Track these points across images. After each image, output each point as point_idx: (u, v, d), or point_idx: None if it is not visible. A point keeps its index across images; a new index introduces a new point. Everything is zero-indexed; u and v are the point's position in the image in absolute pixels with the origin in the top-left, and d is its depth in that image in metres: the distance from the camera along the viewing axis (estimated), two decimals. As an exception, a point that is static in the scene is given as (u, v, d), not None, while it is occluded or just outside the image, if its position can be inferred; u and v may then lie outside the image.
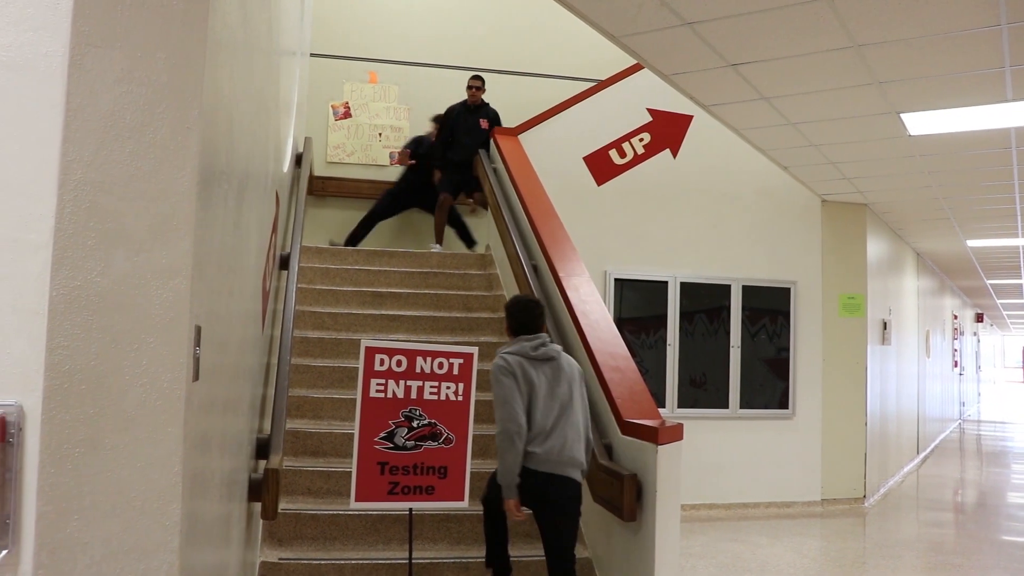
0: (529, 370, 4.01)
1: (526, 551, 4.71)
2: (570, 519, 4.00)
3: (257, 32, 3.38)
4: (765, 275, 8.94)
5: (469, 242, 8.63)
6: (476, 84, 8.39)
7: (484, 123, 8.37)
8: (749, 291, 8.89)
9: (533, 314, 4.21)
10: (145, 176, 1.84)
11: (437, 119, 8.62)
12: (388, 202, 8.55)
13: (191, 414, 1.95)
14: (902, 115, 6.03)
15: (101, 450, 1.79)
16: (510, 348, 4.10)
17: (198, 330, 2.00)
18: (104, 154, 1.81)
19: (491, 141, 8.48)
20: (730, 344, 8.80)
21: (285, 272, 5.78)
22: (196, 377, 2.01)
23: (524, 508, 3.94)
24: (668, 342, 8.65)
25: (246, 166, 3.08)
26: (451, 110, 8.42)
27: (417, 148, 8.62)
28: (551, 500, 3.94)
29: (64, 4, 1.78)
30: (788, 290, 9.03)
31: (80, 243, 1.77)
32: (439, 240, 8.28)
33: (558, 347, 4.22)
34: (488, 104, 8.48)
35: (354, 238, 8.37)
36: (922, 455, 13.74)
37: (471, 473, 4.19)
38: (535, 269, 6.48)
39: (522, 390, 3.95)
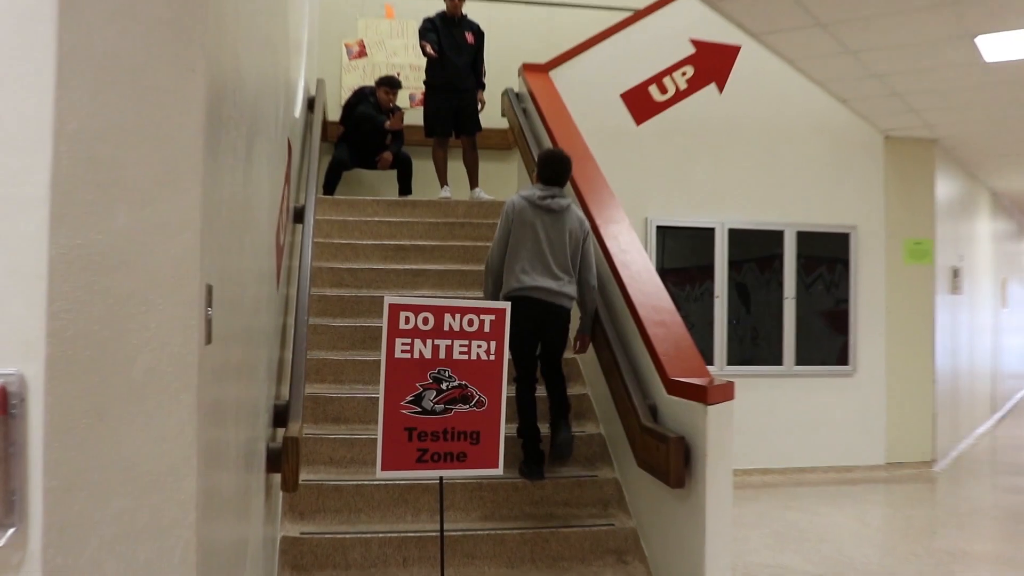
0: (529, 213, 5.04)
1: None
2: (558, 334, 5.16)
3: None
4: (822, 220, 8.83)
5: (403, 190, 8.47)
6: None
7: (470, 37, 8.02)
8: (804, 237, 8.78)
9: (555, 168, 5.17)
10: (147, 123, 1.82)
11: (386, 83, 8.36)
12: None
13: (204, 380, 1.94)
14: (977, 39, 5.85)
15: (109, 421, 1.79)
16: (524, 191, 5.15)
17: (209, 289, 1.99)
18: (101, 100, 1.78)
19: (520, 78, 8.38)
20: (783, 295, 8.73)
21: (300, 226, 5.79)
22: (209, 340, 2.01)
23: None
24: (715, 294, 8.60)
25: (255, 111, 3.05)
26: (429, 22, 7.92)
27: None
28: (543, 322, 5.07)
29: (52, -66, 1.74)
30: (847, 236, 8.91)
31: (79, 198, 1.75)
32: (444, 181, 8.14)
33: (565, 203, 5.14)
34: (467, 16, 8.09)
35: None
36: (998, 415, 13.61)
37: (505, 438, 4.20)
38: (570, 217, 6.43)
39: (515, 231, 5.02)
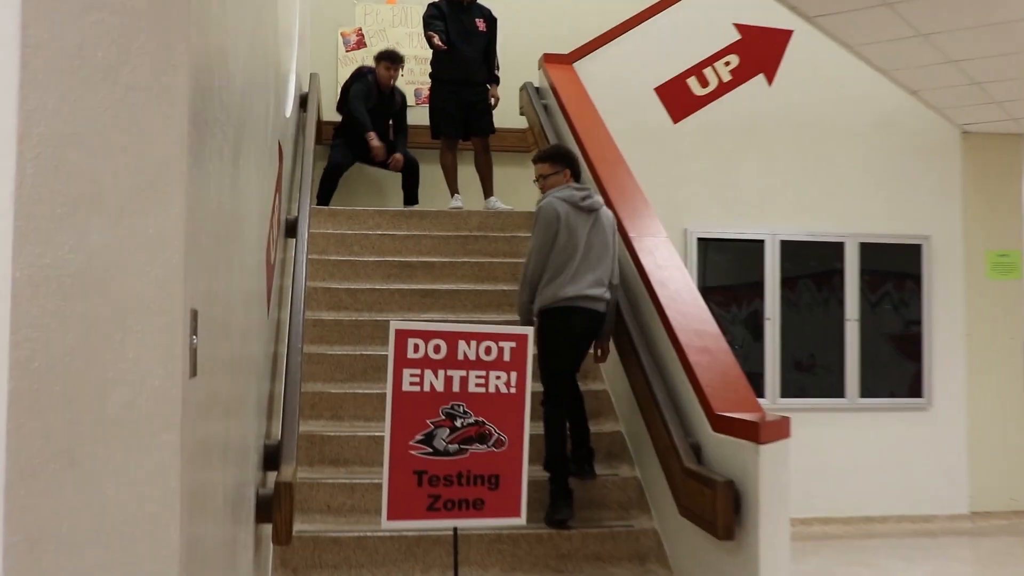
0: (574, 218, 5.25)
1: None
2: (588, 346, 5.43)
3: (250, -56, 3.37)
4: (888, 229, 8.79)
5: (409, 199, 8.54)
6: None
7: (482, 24, 8.08)
8: (868, 250, 8.75)
9: (579, 163, 5.57)
10: (124, 126, 1.84)
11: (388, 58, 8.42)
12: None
13: (188, 417, 1.95)
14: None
15: (81, 465, 1.80)
16: (561, 192, 5.33)
17: (194, 314, 2.01)
18: (72, 101, 1.80)
19: (540, 71, 8.42)
20: (844, 316, 8.69)
21: (292, 240, 5.82)
22: (194, 372, 2.02)
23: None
24: (766, 315, 8.58)
25: (242, 111, 3.08)
26: (435, 8, 7.97)
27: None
28: (589, 331, 5.30)
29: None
30: (918, 247, 8.87)
31: (48, 211, 1.77)
32: (454, 189, 8.18)
33: (600, 199, 5.49)
34: (477, 1, 8.16)
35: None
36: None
37: (528, 482, 4.19)
38: (599, 229, 6.45)
39: (560, 239, 5.20)
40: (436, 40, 7.75)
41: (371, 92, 8.36)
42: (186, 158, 1.90)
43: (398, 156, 8.42)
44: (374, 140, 8.22)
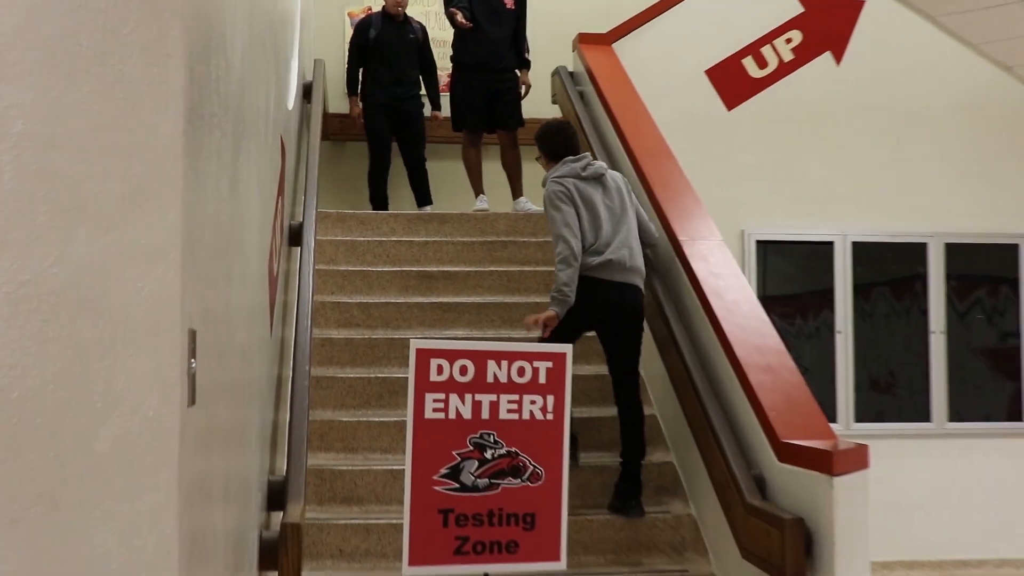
0: (584, 188, 5.52)
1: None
2: (635, 328, 5.53)
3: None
4: (978, 227, 8.72)
5: (421, 199, 8.56)
6: None
7: (509, 1, 8.09)
8: (955, 251, 8.68)
9: (571, 135, 5.80)
10: (112, 124, 1.84)
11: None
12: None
13: (187, 452, 1.96)
14: None
15: (66, 508, 1.80)
16: (559, 171, 5.60)
17: (192, 335, 2.01)
18: (53, 96, 1.81)
19: (574, 53, 8.42)
20: (929, 329, 8.62)
21: (297, 249, 5.84)
22: (192, 400, 2.02)
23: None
24: (836, 328, 8.53)
25: (241, 104, 3.10)
26: None
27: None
28: (622, 307, 5.45)
29: None
30: (1015, 248, 8.80)
31: (27, 221, 1.78)
32: (479, 189, 8.19)
33: (603, 163, 5.77)
34: None
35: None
36: None
37: (568, 520, 4.17)
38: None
39: (581, 212, 5.45)
40: (459, 17, 7.75)
41: (367, 35, 8.47)
42: (181, 159, 1.91)
43: (437, 114, 8.53)
44: (355, 107, 8.45)
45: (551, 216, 5.48)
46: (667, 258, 6.05)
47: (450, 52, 8.25)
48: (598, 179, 5.60)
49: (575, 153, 5.69)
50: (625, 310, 5.47)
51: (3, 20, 1.80)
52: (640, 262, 5.56)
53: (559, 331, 5.33)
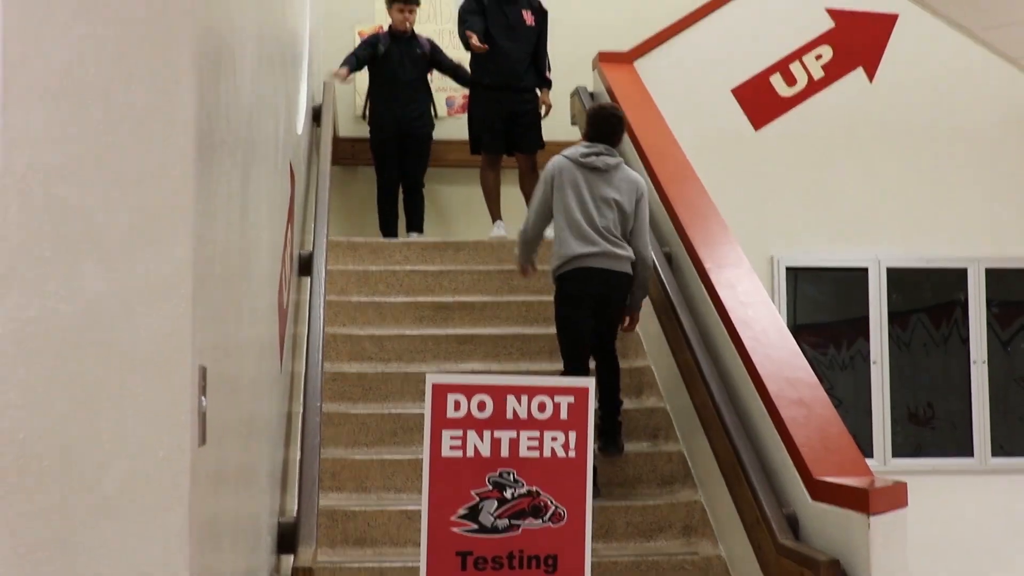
0: (575, 173, 5.86)
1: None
2: (617, 311, 5.98)
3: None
4: (1021, 251, 8.69)
5: (411, 224, 8.59)
6: None
7: (529, 17, 8.07)
8: (997, 276, 8.65)
9: (604, 127, 6.05)
10: (121, 155, 1.86)
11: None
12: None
13: (198, 493, 1.97)
14: None
15: (74, 551, 1.81)
16: (566, 150, 6.02)
17: (203, 372, 2.03)
18: (60, 126, 1.83)
19: (595, 72, 8.45)
20: (970, 358, 8.58)
21: (307, 279, 5.87)
22: (203, 440, 2.04)
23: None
24: (871, 359, 8.49)
25: (251, 129, 3.13)
26: (473, 1, 8.01)
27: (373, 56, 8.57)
28: (598, 291, 5.78)
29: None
30: (1058, 273, 8.77)
31: (33, 255, 1.79)
32: (496, 215, 8.21)
33: (614, 161, 5.94)
34: None
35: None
36: None
37: (592, 563, 4.17)
38: (668, 258, 6.44)
39: (557, 194, 5.86)
40: (474, 40, 7.77)
41: (375, 48, 8.50)
42: (192, 190, 1.93)
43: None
44: (341, 72, 8.39)
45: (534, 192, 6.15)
46: (693, 287, 6.06)
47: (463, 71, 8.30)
48: (595, 171, 5.88)
49: (599, 140, 5.98)
50: (598, 293, 5.80)
51: (10, 49, 1.81)
52: (617, 249, 5.79)
53: (561, 323, 5.89)
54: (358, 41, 9.32)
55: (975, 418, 8.54)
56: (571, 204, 5.82)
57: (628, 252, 5.84)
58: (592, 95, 8.39)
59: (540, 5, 8.17)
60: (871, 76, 8.57)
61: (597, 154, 5.90)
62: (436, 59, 8.68)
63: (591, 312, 5.82)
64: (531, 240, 6.14)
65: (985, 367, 8.60)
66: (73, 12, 1.87)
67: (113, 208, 1.86)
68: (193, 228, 1.92)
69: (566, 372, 5.77)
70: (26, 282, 1.79)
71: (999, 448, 8.55)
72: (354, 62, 8.41)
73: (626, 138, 7.44)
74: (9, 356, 1.77)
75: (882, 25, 8.54)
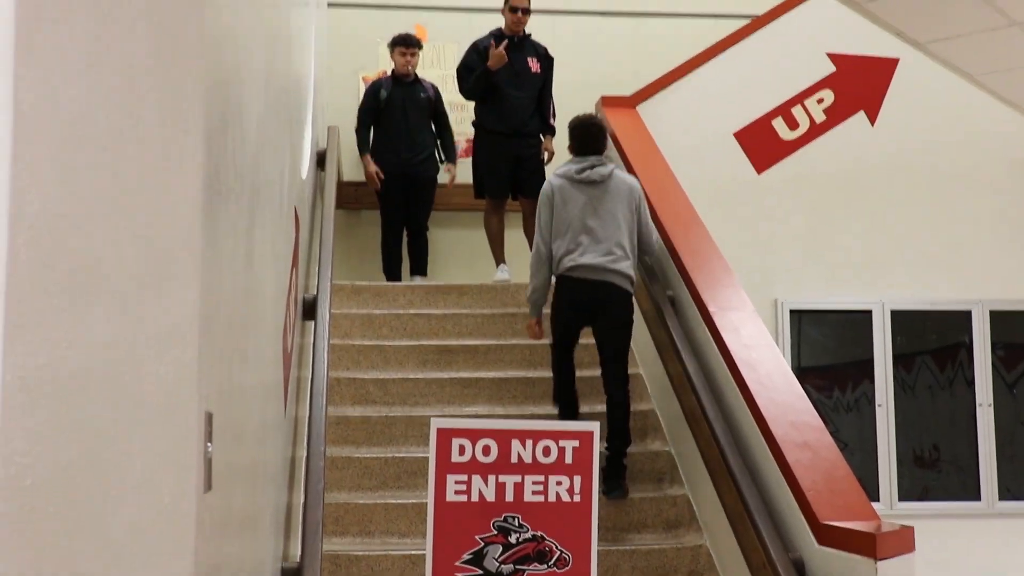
0: (571, 191, 6.09)
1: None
2: (617, 325, 6.08)
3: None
4: (1024, 293, 8.70)
5: (415, 268, 8.64)
6: (522, 4, 8.02)
7: (535, 64, 8.13)
8: (1002, 319, 8.65)
9: (587, 138, 6.23)
10: (130, 202, 1.88)
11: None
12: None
13: (203, 540, 1.97)
14: None
15: (80, 599, 1.82)
16: (559, 168, 6.25)
17: (209, 418, 2.04)
18: (71, 174, 1.85)
19: (598, 114, 8.49)
20: (976, 401, 8.57)
21: (311, 323, 5.87)
22: (209, 486, 2.04)
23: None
24: (876, 401, 8.48)
25: (256, 175, 3.15)
26: (475, 53, 8.08)
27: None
28: (598, 304, 5.99)
29: (2, -38, 1.82)
30: (1063, 315, 8.76)
31: (43, 302, 1.80)
32: (500, 258, 8.24)
33: (607, 170, 6.13)
34: (531, 36, 8.24)
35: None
36: None
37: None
38: (672, 302, 6.45)
39: (562, 213, 6.05)
40: (496, 50, 7.84)
41: (377, 97, 8.58)
42: (200, 236, 1.94)
43: (451, 167, 8.63)
44: (369, 165, 8.46)
45: (537, 212, 6.26)
46: (697, 330, 6.06)
47: (466, 116, 8.34)
48: (592, 183, 6.08)
49: (587, 152, 6.18)
50: (602, 307, 6.01)
51: (21, 97, 1.83)
52: (624, 265, 6.00)
53: (556, 330, 6.17)
54: (362, 87, 9.39)
55: (982, 461, 8.51)
56: (572, 220, 6.03)
57: (626, 269, 6.03)
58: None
59: (546, 52, 8.22)
60: (873, 120, 8.62)
61: (591, 167, 6.11)
62: (437, 109, 8.74)
63: (585, 316, 6.10)
64: (546, 260, 6.18)
65: (991, 410, 8.58)
66: (85, 62, 1.89)
67: (122, 255, 1.87)
68: (200, 275, 1.94)
69: (554, 367, 6.24)
70: (35, 329, 1.79)
71: (1006, 491, 8.51)
72: (366, 136, 8.62)
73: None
74: (16, 404, 1.77)
75: (883, 69, 8.59)
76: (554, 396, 6.33)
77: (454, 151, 8.78)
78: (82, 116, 1.88)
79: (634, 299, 6.23)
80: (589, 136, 6.26)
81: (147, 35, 1.94)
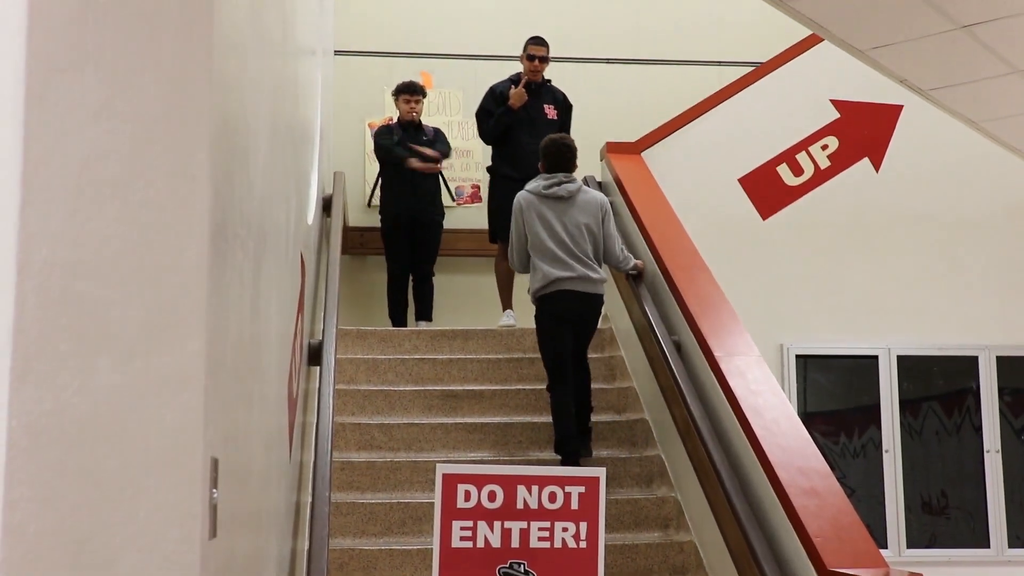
0: (539, 206, 6.51)
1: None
2: (592, 326, 6.78)
3: (269, 29, 3.51)
4: (1031, 339, 8.68)
5: (421, 313, 8.66)
6: (539, 52, 8.09)
7: (551, 111, 8.18)
8: (1008, 364, 8.63)
9: (558, 157, 6.62)
10: (137, 249, 1.89)
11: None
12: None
13: (207, 588, 1.97)
14: None
15: (84, 646, 1.81)
16: (529, 184, 6.66)
17: (215, 464, 2.04)
18: (79, 222, 1.86)
19: (602, 162, 8.54)
20: (984, 447, 8.53)
21: (316, 368, 5.88)
22: (214, 533, 2.04)
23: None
24: (883, 447, 8.45)
25: (262, 221, 3.17)
26: (495, 91, 8.17)
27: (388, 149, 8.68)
28: (579, 315, 6.51)
29: (14, 13, 1.84)
30: (1070, 360, 8.74)
31: (50, 349, 1.81)
32: (507, 304, 8.25)
33: (574, 187, 6.60)
34: (551, 83, 8.31)
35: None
36: None
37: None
38: (678, 347, 6.45)
39: (531, 228, 6.49)
40: (514, 89, 8.00)
41: (392, 137, 8.63)
42: (206, 283, 1.95)
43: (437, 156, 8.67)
44: (415, 163, 8.50)
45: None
46: (703, 375, 6.06)
47: (470, 161, 8.39)
48: (558, 200, 6.51)
49: (555, 170, 6.59)
50: (582, 317, 6.54)
51: (31, 146, 1.85)
52: (597, 275, 6.51)
53: (543, 338, 6.57)
54: (368, 133, 9.46)
55: (990, 508, 8.46)
56: (542, 235, 6.44)
57: (601, 275, 6.55)
58: (600, 184, 8.47)
59: (565, 98, 8.27)
60: (877, 166, 8.64)
61: (558, 183, 6.53)
62: (440, 145, 8.77)
63: (570, 329, 6.46)
64: (519, 261, 6.70)
65: (999, 456, 8.54)
66: (93, 110, 1.91)
67: (128, 302, 1.88)
68: (206, 322, 1.94)
69: (550, 384, 6.50)
70: (41, 376, 1.80)
71: (1016, 539, 8.45)
72: (394, 147, 8.63)
73: (634, 226, 7.54)
74: (22, 449, 1.78)
75: (887, 116, 8.63)
76: (555, 446, 6.40)
77: (447, 149, 8.86)
78: (90, 164, 1.89)
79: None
80: (560, 156, 6.61)
81: (155, 84, 1.96)
